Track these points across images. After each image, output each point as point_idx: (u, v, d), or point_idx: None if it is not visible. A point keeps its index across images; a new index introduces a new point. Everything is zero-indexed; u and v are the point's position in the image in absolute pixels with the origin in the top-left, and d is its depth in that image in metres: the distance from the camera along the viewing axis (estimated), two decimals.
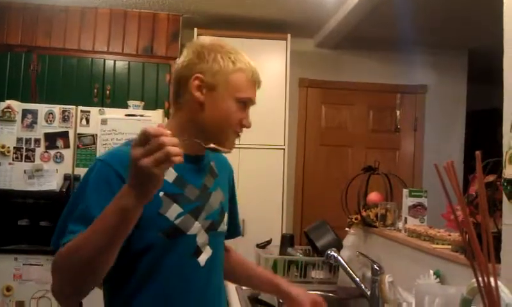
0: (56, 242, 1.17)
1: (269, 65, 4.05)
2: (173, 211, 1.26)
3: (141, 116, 3.45)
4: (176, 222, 1.26)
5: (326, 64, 4.62)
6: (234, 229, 1.60)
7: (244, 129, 1.40)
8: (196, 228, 1.30)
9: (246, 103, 1.35)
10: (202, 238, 1.31)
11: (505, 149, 1.48)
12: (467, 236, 0.97)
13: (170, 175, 1.28)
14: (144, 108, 3.60)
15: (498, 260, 1.49)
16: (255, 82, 1.37)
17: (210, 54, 1.33)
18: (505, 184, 1.44)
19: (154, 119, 3.42)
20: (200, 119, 1.32)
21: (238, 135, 1.38)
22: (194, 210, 1.30)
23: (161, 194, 1.25)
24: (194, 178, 1.34)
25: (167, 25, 4.01)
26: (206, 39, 1.41)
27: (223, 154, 1.50)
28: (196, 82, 1.31)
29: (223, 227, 1.41)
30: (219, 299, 1.41)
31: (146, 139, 0.95)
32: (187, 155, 1.32)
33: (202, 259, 1.31)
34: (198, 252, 1.31)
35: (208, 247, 1.33)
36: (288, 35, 4.05)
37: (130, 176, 0.99)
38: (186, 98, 1.33)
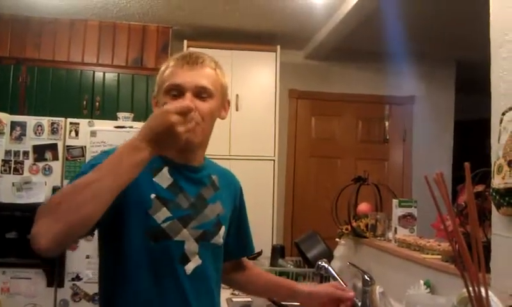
0: None
1: (258, 77, 4.08)
2: (161, 214, 1.27)
3: (131, 127, 3.44)
4: (163, 225, 1.27)
5: (315, 76, 4.65)
6: (243, 248, 1.58)
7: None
8: (184, 235, 1.30)
9: (177, 91, 1.29)
10: (191, 247, 1.31)
11: (493, 159, 1.50)
12: (457, 246, 0.98)
13: (166, 180, 1.31)
14: (134, 119, 3.59)
15: (488, 270, 1.50)
16: (179, 66, 1.31)
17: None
18: (494, 194, 1.46)
19: None
20: None
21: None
22: (184, 218, 1.31)
23: (153, 196, 1.27)
24: (190, 187, 1.35)
25: (157, 37, 4.02)
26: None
27: (229, 169, 1.54)
28: (153, 101, 1.40)
29: (218, 239, 1.39)
30: None
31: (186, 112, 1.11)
32: (184, 164, 1.35)
33: (189, 267, 1.30)
34: (185, 260, 1.30)
35: (197, 257, 1.32)
36: (278, 47, 4.07)
37: (152, 133, 1.09)
38: None
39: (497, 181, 1.42)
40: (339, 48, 4.24)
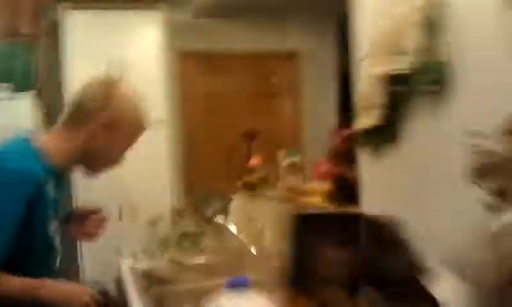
0: None
1: (143, 37, 3.96)
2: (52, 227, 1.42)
3: (11, 99, 3.24)
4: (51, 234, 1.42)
5: (202, 34, 4.59)
6: None
7: None
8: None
9: None
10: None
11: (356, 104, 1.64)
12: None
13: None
14: (13, 90, 3.38)
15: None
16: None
17: None
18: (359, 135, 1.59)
19: (25, 101, 3.23)
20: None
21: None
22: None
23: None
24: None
25: (31, 1, 3.76)
26: None
27: None
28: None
29: None
30: None
31: None
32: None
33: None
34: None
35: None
36: (163, 5, 3.96)
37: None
38: None
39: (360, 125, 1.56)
40: (224, 5, 4.22)
